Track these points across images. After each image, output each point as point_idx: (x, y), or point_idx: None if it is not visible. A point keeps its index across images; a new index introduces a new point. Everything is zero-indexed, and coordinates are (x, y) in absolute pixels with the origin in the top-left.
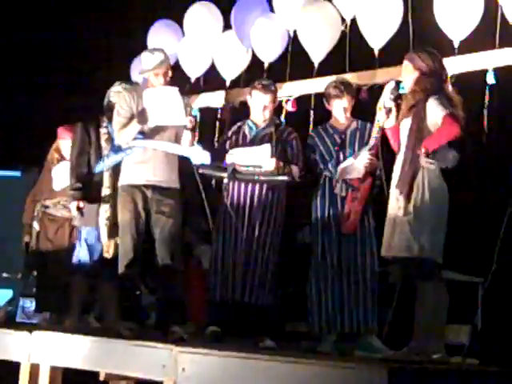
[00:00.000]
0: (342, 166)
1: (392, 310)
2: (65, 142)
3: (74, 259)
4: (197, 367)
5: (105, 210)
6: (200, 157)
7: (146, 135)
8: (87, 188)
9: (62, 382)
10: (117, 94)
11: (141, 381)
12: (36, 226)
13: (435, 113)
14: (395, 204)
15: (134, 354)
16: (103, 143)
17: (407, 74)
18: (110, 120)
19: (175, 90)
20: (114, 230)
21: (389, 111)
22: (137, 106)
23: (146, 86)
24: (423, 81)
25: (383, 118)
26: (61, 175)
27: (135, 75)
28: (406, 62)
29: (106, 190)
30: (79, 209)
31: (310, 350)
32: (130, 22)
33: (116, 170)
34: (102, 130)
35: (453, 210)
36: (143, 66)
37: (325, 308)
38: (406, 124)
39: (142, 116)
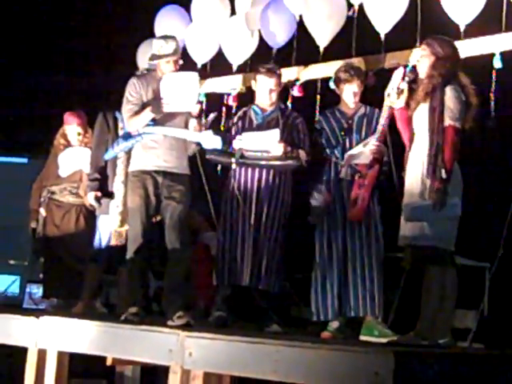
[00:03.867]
0: (350, 152)
1: (398, 294)
2: (71, 128)
3: (95, 246)
4: (203, 352)
5: (118, 198)
6: (211, 142)
7: (156, 121)
8: (104, 178)
9: (69, 367)
10: None
11: (147, 365)
12: (43, 211)
13: (449, 104)
14: (415, 190)
15: (140, 339)
16: (120, 132)
17: (424, 58)
18: None
19: (195, 75)
20: (126, 218)
21: (401, 92)
22: (146, 93)
23: (155, 71)
24: (440, 66)
25: (394, 99)
26: (67, 161)
27: (142, 60)
28: (423, 46)
29: (119, 178)
30: (97, 198)
31: (315, 335)
32: (138, 8)
33: (130, 158)
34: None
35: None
36: (155, 52)
37: (330, 293)
38: (422, 110)
39: (156, 105)
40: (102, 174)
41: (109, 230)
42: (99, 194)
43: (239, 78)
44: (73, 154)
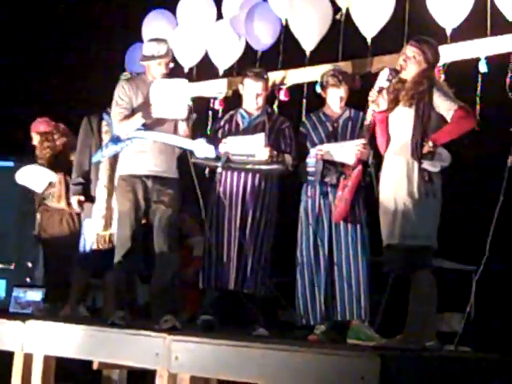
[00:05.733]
0: (328, 148)
1: (385, 297)
2: (33, 135)
3: (80, 250)
4: (190, 355)
5: (100, 202)
6: (204, 150)
7: (146, 126)
8: (87, 182)
9: (56, 372)
10: None
11: (134, 369)
12: (38, 216)
13: (443, 105)
14: (400, 191)
15: (127, 343)
16: (103, 136)
17: (415, 63)
18: None
19: (185, 82)
20: (109, 222)
21: (380, 91)
22: (136, 97)
23: (144, 74)
24: (429, 72)
25: (374, 96)
26: (34, 179)
27: (130, 64)
28: (416, 51)
29: (101, 182)
30: (80, 203)
31: (302, 339)
32: (125, 12)
33: (113, 162)
34: (104, 123)
35: (447, 198)
36: (146, 53)
37: (318, 297)
38: (403, 113)
39: (147, 110)
40: (85, 178)
41: (93, 233)
42: (82, 198)
43: (225, 81)
44: (35, 172)
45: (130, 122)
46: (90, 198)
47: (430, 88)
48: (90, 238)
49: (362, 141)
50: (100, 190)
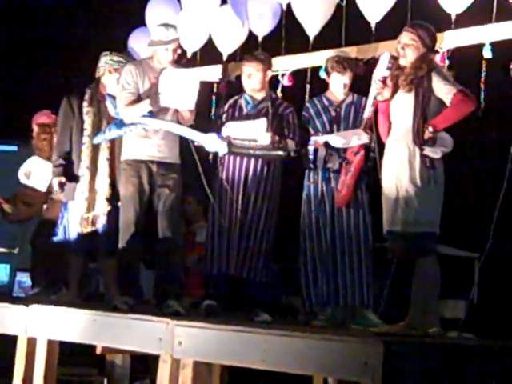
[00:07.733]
0: (328, 139)
1: (388, 284)
2: (34, 126)
3: (66, 234)
4: (193, 340)
5: (83, 184)
6: (216, 146)
7: (151, 113)
8: (69, 163)
9: (59, 356)
10: (107, 65)
11: (137, 354)
12: (44, 206)
13: (442, 89)
14: (403, 177)
15: (130, 328)
16: (85, 117)
17: (414, 49)
18: (96, 91)
19: (195, 73)
20: (92, 204)
21: (384, 81)
22: (143, 82)
23: (150, 59)
24: (429, 57)
25: (378, 88)
26: (38, 175)
27: (134, 48)
28: (413, 37)
29: (84, 164)
30: (61, 184)
31: (305, 324)
32: None
33: (96, 144)
34: (84, 104)
35: (450, 184)
36: (154, 38)
37: (320, 282)
38: (403, 98)
39: (155, 98)
40: (66, 159)
41: (77, 216)
42: (63, 179)
43: (229, 66)
44: (38, 166)
45: (137, 108)
46: (72, 180)
47: (429, 72)
48: (75, 221)
49: (362, 133)
50: (83, 172)
